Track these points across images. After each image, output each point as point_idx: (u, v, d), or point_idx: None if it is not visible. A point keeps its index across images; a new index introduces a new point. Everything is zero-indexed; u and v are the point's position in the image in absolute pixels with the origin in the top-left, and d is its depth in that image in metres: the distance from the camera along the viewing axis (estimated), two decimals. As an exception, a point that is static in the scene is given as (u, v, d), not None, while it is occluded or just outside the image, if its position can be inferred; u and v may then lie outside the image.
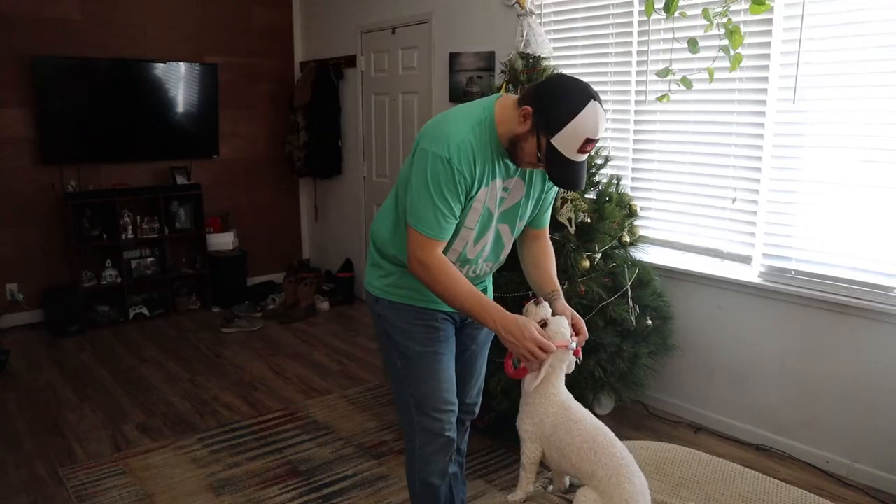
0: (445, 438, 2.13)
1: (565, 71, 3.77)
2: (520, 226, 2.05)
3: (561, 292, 2.05)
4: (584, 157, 1.76)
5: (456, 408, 2.14)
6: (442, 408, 2.10)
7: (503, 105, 1.85)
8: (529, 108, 1.75)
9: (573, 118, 1.68)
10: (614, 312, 3.14)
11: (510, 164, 1.89)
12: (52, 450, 3.35)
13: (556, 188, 2.06)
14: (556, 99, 1.72)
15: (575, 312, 1.99)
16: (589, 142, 1.71)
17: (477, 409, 2.37)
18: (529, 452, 1.86)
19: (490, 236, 2.00)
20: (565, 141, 1.71)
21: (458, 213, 1.85)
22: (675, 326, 3.53)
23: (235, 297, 5.71)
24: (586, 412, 1.84)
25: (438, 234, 1.84)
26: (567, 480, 1.95)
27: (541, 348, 1.77)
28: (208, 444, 3.38)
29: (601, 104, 1.73)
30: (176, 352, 4.71)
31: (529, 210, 2.04)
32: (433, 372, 2.07)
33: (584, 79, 3.95)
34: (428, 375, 2.07)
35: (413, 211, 1.83)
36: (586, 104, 1.69)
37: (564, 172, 1.77)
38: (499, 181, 1.89)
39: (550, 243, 2.15)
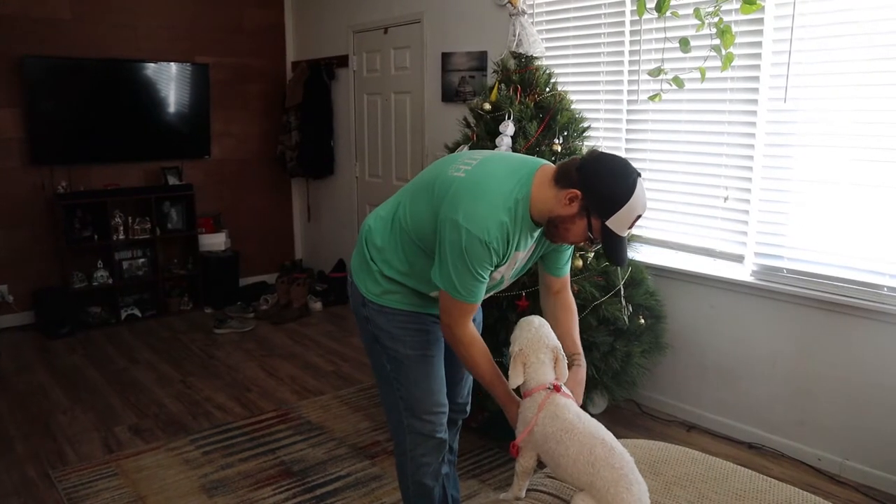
0: (437, 440, 2.12)
1: (558, 71, 3.77)
2: (521, 273, 2.07)
3: (582, 356, 2.04)
4: (629, 231, 1.81)
5: (447, 409, 2.14)
6: (433, 410, 2.09)
7: (541, 183, 1.82)
8: (578, 192, 1.74)
9: (628, 200, 1.72)
10: (607, 311, 3.14)
11: (533, 236, 1.90)
12: (43, 452, 3.33)
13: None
14: (608, 182, 1.74)
15: (578, 391, 1.98)
16: (638, 218, 1.77)
17: (468, 408, 2.36)
18: (523, 460, 1.83)
19: (494, 290, 2.05)
20: (619, 221, 1.74)
21: (487, 278, 1.86)
22: (668, 325, 3.53)
23: (228, 297, 5.70)
24: (577, 416, 1.75)
25: (473, 300, 1.86)
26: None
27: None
28: (201, 446, 3.37)
29: (642, 178, 1.78)
30: (168, 353, 4.69)
31: (532, 261, 2.04)
32: (424, 375, 2.06)
33: (576, 78, 3.97)
34: (419, 379, 2.06)
35: (448, 279, 1.83)
36: (636, 184, 1.73)
37: (618, 249, 1.80)
38: (521, 253, 1.90)
39: (572, 297, 2.13)
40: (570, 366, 1.95)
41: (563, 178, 1.78)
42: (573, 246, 2.08)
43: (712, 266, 3.45)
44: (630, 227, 1.78)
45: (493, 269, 1.84)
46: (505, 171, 1.86)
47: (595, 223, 1.76)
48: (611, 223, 1.74)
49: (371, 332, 2.08)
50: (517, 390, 1.91)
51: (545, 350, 1.86)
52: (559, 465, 1.74)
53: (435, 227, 1.85)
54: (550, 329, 1.92)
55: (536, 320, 1.91)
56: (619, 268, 1.81)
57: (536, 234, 1.90)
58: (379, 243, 2.02)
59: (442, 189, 1.86)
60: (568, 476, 1.73)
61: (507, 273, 1.94)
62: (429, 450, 2.13)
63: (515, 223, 1.80)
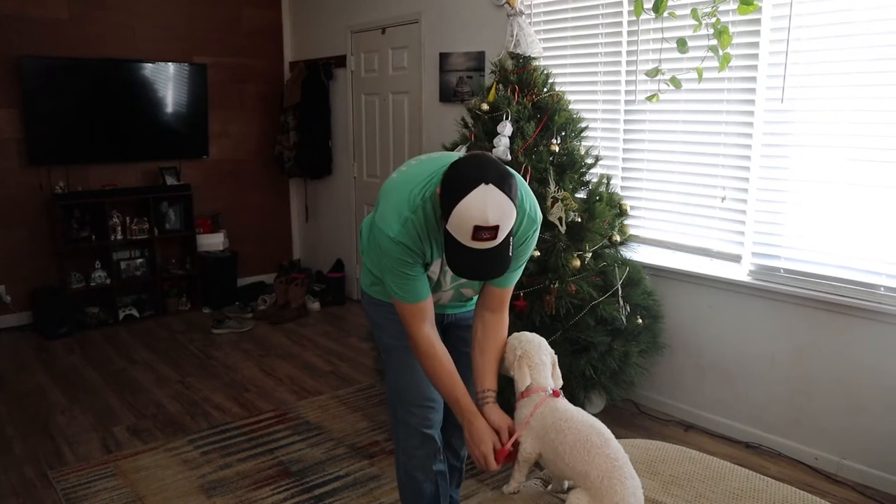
0: (425, 435, 2.14)
1: (555, 71, 3.78)
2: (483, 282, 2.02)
3: (494, 395, 1.92)
4: (484, 244, 1.61)
5: (436, 405, 2.15)
6: (420, 403, 2.11)
7: None
8: (438, 190, 1.68)
9: (457, 203, 1.58)
10: (605, 311, 3.15)
11: None
12: (41, 452, 3.32)
13: (527, 252, 1.93)
14: (449, 181, 1.62)
15: (509, 421, 1.88)
16: (480, 229, 1.58)
17: None
18: (524, 450, 1.84)
19: (446, 297, 2.05)
20: (455, 227, 1.61)
21: (420, 274, 1.84)
22: (666, 325, 3.54)
23: (226, 297, 5.70)
24: (577, 410, 1.82)
25: (412, 299, 1.85)
26: (565, 483, 1.94)
27: (486, 463, 1.81)
28: (199, 446, 3.37)
29: (503, 187, 1.58)
30: (166, 353, 4.69)
31: None
32: (407, 366, 2.10)
33: (574, 78, 3.97)
34: (403, 369, 2.11)
35: (387, 282, 1.87)
36: (473, 188, 1.57)
37: (455, 258, 1.66)
38: None
39: (506, 320, 2.00)
40: (482, 404, 1.90)
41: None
42: (525, 258, 1.96)
43: (709, 266, 3.46)
44: (477, 239, 1.59)
45: (418, 264, 1.83)
46: (425, 170, 1.84)
47: (444, 224, 1.66)
48: (450, 227, 1.62)
49: (369, 322, 2.22)
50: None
51: (546, 353, 1.92)
52: (557, 455, 1.76)
53: None
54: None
55: (527, 332, 1.97)
56: (476, 278, 1.64)
57: None
58: (364, 240, 2.13)
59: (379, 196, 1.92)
60: (565, 466, 1.75)
61: (444, 277, 1.95)
62: (417, 443, 2.15)
63: (422, 221, 1.77)
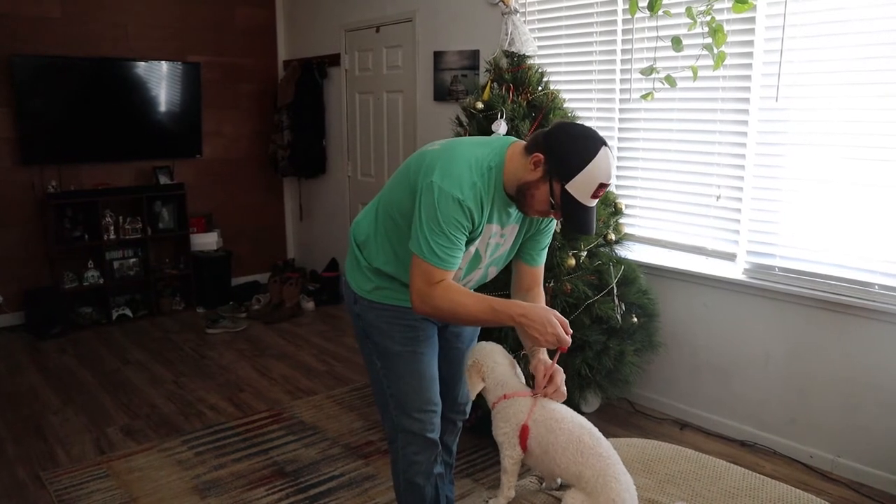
0: (427, 439, 2.12)
1: (550, 70, 3.77)
2: (506, 261, 2.08)
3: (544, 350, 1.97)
4: (595, 201, 1.79)
5: (438, 408, 2.13)
6: (423, 408, 2.09)
7: (512, 154, 1.84)
8: (541, 156, 1.76)
9: (587, 164, 1.71)
10: (600, 310, 3.15)
11: (511, 213, 1.91)
12: (34, 454, 3.30)
13: (552, 229, 2.06)
14: (569, 145, 1.75)
15: (551, 365, 1.91)
16: (602, 186, 1.75)
17: (468, 409, 2.36)
18: (509, 455, 1.84)
19: (477, 275, 2.03)
20: (580, 187, 1.73)
21: (464, 248, 1.84)
22: (661, 324, 3.54)
23: (220, 297, 5.68)
24: (567, 409, 1.82)
25: (448, 266, 1.82)
26: (559, 479, 1.94)
27: (563, 330, 1.77)
28: (193, 446, 3.36)
29: (610, 149, 1.77)
30: (160, 353, 4.67)
31: (516, 247, 2.05)
32: (413, 372, 2.07)
33: (569, 77, 3.97)
34: (408, 375, 2.07)
35: (423, 241, 1.80)
36: (599, 150, 1.73)
37: (579, 218, 1.78)
38: (495, 227, 1.90)
39: (543, 293, 2.10)
40: (532, 353, 1.95)
41: (530, 145, 1.82)
42: (551, 235, 2.07)
43: (705, 264, 3.46)
44: (593, 196, 1.75)
45: (467, 235, 1.83)
46: (478, 142, 1.92)
47: (556, 187, 1.76)
48: (571, 188, 1.74)
49: (362, 328, 2.12)
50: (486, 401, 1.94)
51: (500, 356, 1.93)
52: (547, 454, 1.77)
53: (414, 201, 1.85)
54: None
55: (482, 342, 1.98)
56: (587, 233, 1.75)
57: (514, 212, 1.91)
58: (363, 237, 2.07)
59: (417, 165, 1.89)
60: (556, 466, 1.76)
61: (484, 249, 1.94)
62: (419, 448, 2.13)
63: (487, 189, 1.82)
